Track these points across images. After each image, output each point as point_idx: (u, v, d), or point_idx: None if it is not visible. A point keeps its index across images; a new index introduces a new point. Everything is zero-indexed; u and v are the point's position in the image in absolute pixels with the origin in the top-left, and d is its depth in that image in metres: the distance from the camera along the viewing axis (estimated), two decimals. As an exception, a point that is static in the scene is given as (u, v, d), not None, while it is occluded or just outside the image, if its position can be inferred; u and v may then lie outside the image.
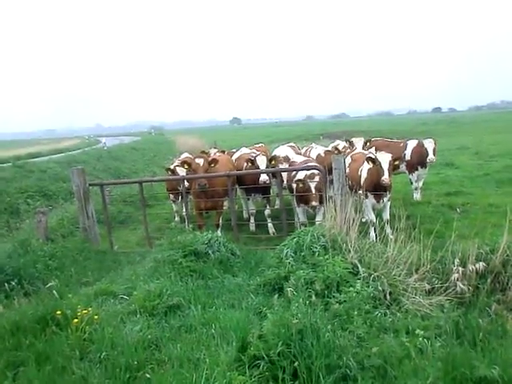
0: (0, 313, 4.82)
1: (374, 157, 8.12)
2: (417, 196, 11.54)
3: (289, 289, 4.91)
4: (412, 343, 3.69)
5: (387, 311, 4.66)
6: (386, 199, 8.41)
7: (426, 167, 11.40)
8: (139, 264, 6.76)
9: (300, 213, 8.76)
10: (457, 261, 5.36)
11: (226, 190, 8.63)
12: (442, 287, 5.07)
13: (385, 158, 7.91)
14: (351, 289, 4.54)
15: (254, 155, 9.26)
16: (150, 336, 4.44)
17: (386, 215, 8.55)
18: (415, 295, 4.98)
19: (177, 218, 11.25)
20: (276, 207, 10.58)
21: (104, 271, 7.22)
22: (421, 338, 3.76)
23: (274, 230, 9.48)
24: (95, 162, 24.59)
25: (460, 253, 5.42)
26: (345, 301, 4.43)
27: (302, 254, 5.74)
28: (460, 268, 5.26)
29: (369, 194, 8.38)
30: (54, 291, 5.01)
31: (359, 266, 5.24)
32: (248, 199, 10.19)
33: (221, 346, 4.12)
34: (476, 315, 4.39)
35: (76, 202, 8.56)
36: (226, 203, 10.08)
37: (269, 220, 9.64)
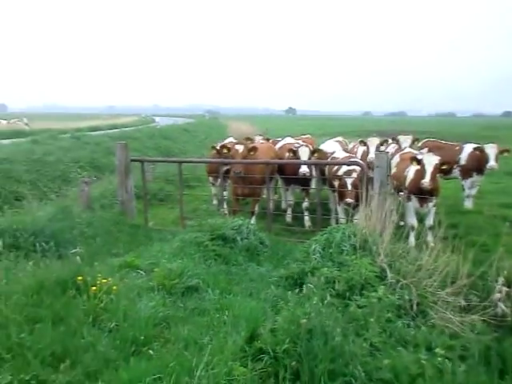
0: (29, 271, 4.92)
1: (419, 158, 7.70)
2: (468, 204, 10.87)
3: (309, 285, 4.73)
4: (430, 362, 3.40)
5: (411, 323, 4.37)
6: (430, 204, 7.97)
7: (482, 174, 10.69)
8: (168, 242, 6.77)
9: (340, 210, 8.50)
10: (501, 279, 4.91)
11: (264, 178, 8.49)
12: (479, 306, 4.65)
13: (430, 160, 7.47)
14: (373, 293, 4.27)
15: (297, 146, 9.05)
16: (162, 314, 4.43)
17: (430, 221, 8.11)
18: (445, 310, 4.65)
19: (214, 201, 11.25)
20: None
21: (134, 245, 7.31)
22: (441, 358, 3.44)
23: (310, 223, 9.25)
24: (147, 139, 25.13)
25: (506, 271, 4.99)
26: (365, 305, 4.19)
27: (330, 251, 5.53)
28: (504, 288, 4.83)
29: (412, 196, 7.98)
30: (78, 257, 5.06)
31: (388, 270, 4.97)
32: (287, 190, 10.02)
33: (230, 334, 4.01)
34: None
35: (117, 175, 8.71)
36: (265, 191, 9.97)
37: (306, 213, 9.42)
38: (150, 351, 3.70)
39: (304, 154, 8.84)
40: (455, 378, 3.33)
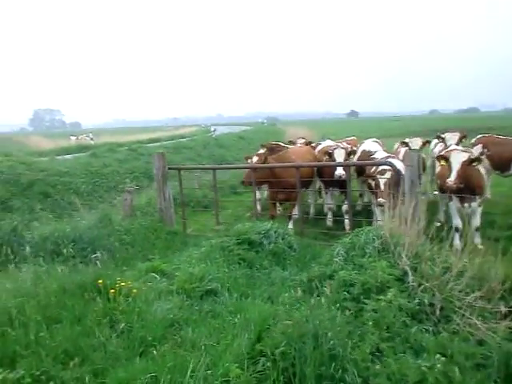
0: (56, 275, 5.19)
1: (447, 155, 7.31)
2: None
3: (324, 288, 4.64)
4: (433, 369, 3.20)
5: (431, 328, 4.13)
6: (474, 204, 7.53)
7: None
8: (198, 248, 6.89)
9: (377, 212, 8.25)
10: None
11: (301, 181, 8.44)
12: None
13: (457, 158, 7.07)
14: (383, 297, 4.10)
15: (333, 148, 8.91)
16: (176, 316, 4.53)
17: (476, 222, 7.66)
18: (472, 315, 4.35)
19: (258, 207, 11.29)
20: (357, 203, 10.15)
21: (170, 251, 7.53)
22: (441, 365, 3.22)
23: (349, 226, 9.04)
24: (201, 148, 25.71)
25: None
26: (374, 309, 4.03)
27: (353, 253, 5.39)
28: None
29: (453, 196, 7.58)
30: (98, 262, 5.28)
31: (409, 273, 4.75)
32: (326, 193, 9.87)
33: (238, 337, 4.02)
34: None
35: (155, 183, 9.00)
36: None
37: (346, 216, 9.22)
38: (154, 351, 3.78)
39: (339, 155, 8.68)
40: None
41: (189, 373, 3.28)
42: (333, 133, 38.31)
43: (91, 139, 34.77)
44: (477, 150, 10.81)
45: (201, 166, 13.55)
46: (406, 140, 10.08)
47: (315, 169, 9.43)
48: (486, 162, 10.60)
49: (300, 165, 7.82)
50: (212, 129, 47.20)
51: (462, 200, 7.49)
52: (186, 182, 12.35)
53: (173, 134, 46.97)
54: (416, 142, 9.43)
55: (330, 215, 9.73)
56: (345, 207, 9.25)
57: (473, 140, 11.16)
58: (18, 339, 3.87)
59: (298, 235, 8.38)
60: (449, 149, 8.86)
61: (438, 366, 3.18)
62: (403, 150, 9.93)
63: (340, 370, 3.14)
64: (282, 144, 11.60)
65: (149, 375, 3.31)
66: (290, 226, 8.89)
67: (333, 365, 3.17)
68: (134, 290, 4.86)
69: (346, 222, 9.19)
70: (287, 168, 8.21)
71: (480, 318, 4.28)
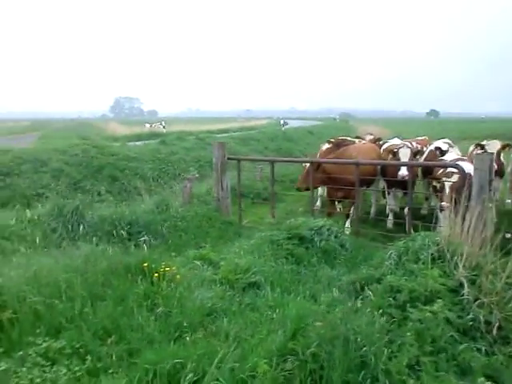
0: (107, 255, 5.35)
1: None
2: None
3: (369, 292, 4.43)
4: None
5: (484, 348, 3.81)
6: None
7: None
8: (249, 239, 6.85)
9: (441, 216, 7.78)
10: None
11: (361, 180, 8.16)
12: None
13: None
14: (429, 307, 3.82)
15: (398, 147, 8.51)
16: (215, 305, 4.51)
17: None
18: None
19: (318, 203, 11.08)
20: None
21: (222, 240, 7.55)
22: None
23: (408, 230, 8.63)
24: (268, 141, 25.73)
25: None
26: (419, 320, 3.76)
27: (405, 258, 5.10)
28: None
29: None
30: (144, 245, 5.39)
31: (465, 285, 4.40)
32: (388, 193, 9.46)
33: (274, 333, 3.93)
34: None
35: (214, 173, 9.07)
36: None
37: (408, 219, 8.79)
38: (187, 338, 3.79)
39: (404, 155, 8.28)
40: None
41: (215, 362, 3.23)
42: (408, 132, 36.88)
43: (163, 127, 36.01)
44: None
45: (260, 157, 13.47)
46: (483, 142, 9.41)
47: (378, 167, 9.07)
48: None
49: (359, 162, 7.52)
50: (281, 122, 47.06)
51: None
52: (248, 173, 12.44)
53: (243, 125, 47.50)
54: (493, 145, 8.75)
55: (390, 216, 9.35)
56: (406, 209, 8.83)
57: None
58: (64, 312, 4.04)
59: (355, 235, 8.15)
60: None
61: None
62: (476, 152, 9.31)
63: (369, 380, 2.95)
64: (349, 139, 11.25)
65: (176, 360, 3.29)
66: (347, 224, 8.65)
67: (362, 373, 2.98)
68: (178, 276, 4.90)
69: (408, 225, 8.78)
70: (346, 165, 7.95)
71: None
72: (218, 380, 3.14)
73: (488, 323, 4.05)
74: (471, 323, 4.01)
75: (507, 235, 6.39)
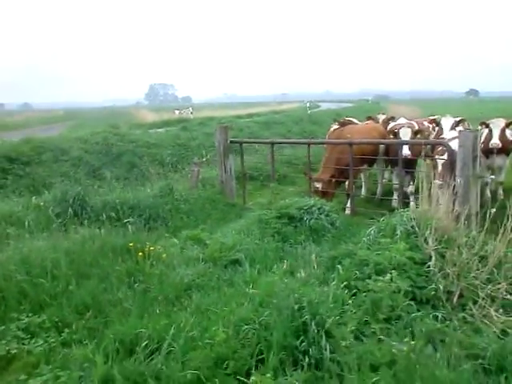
0: (102, 236, 5.72)
1: None
2: None
3: (338, 266, 4.61)
4: (404, 352, 3.10)
5: (441, 315, 3.92)
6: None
7: None
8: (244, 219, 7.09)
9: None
10: None
11: (359, 159, 8.24)
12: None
13: None
14: (382, 277, 3.97)
15: (399, 127, 8.50)
16: (195, 281, 4.80)
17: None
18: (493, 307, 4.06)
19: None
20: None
21: (223, 222, 7.82)
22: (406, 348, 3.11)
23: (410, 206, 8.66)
24: (293, 124, 25.70)
25: None
26: (373, 290, 3.92)
27: (382, 234, 5.23)
28: None
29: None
30: (129, 226, 5.71)
31: (433, 257, 4.51)
32: (392, 172, 9.49)
33: (242, 305, 4.17)
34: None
35: (217, 156, 9.32)
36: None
37: (411, 198, 8.81)
38: (157, 310, 4.09)
39: (405, 135, 8.29)
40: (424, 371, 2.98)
41: (171, 331, 3.50)
42: (441, 112, 35.82)
43: (191, 113, 36.46)
44: None
45: (260, 140, 13.63)
46: (489, 121, 9.28)
47: (382, 146, 9.08)
48: None
49: (352, 142, 7.60)
50: (308, 104, 46.59)
51: None
52: (260, 156, 12.61)
53: (273, 109, 47.24)
54: (498, 123, 8.60)
55: (395, 195, 9.37)
56: (409, 189, 8.85)
57: None
58: (48, 290, 4.42)
59: (356, 214, 8.27)
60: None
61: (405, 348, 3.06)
62: (485, 131, 9.16)
63: (305, 343, 3.16)
64: (355, 120, 11.30)
65: (139, 330, 3.59)
66: (348, 204, 8.74)
67: (301, 338, 3.20)
68: (164, 255, 5.23)
69: (412, 204, 8.79)
70: (340, 145, 8.04)
71: (501, 311, 4.01)
72: (173, 347, 3.42)
73: (450, 293, 4.18)
74: (433, 293, 4.14)
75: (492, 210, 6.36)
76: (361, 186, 10.46)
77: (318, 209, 6.65)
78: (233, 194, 9.21)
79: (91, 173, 12.83)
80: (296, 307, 3.40)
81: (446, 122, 8.60)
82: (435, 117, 12.02)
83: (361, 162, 8.66)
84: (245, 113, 38.62)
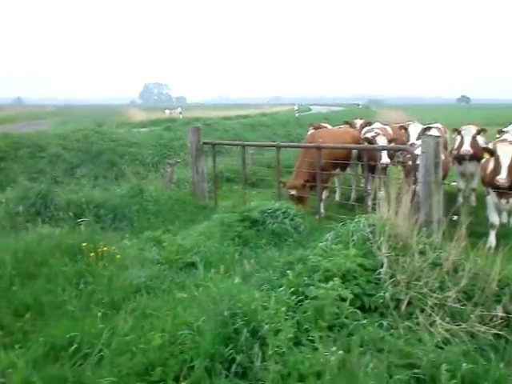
0: (57, 235, 5.60)
1: (493, 148, 6.68)
2: None
3: (289, 272, 4.56)
4: (333, 361, 3.04)
5: (385, 323, 3.87)
6: (512, 200, 6.83)
7: None
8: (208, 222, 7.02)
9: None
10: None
11: (330, 163, 8.21)
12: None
13: (507, 152, 6.39)
14: (324, 285, 3.90)
15: (373, 135, 8.51)
16: (145, 283, 4.72)
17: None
18: (439, 315, 4.02)
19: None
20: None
21: (191, 223, 7.74)
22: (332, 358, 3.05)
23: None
24: (279, 127, 25.69)
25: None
26: (316, 297, 3.85)
27: (338, 240, 5.18)
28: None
29: (490, 190, 6.94)
30: (82, 226, 5.62)
31: (384, 264, 4.47)
32: (363, 177, 9.46)
33: (187, 310, 4.10)
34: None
35: (189, 157, 9.24)
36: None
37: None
38: (99, 313, 4.00)
39: (382, 143, 8.34)
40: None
41: (104, 336, 3.43)
42: (428, 118, 36.08)
43: (180, 113, 36.43)
44: None
45: (234, 142, 13.58)
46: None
47: (354, 151, 9.06)
48: None
49: (320, 146, 7.56)
50: (295, 107, 46.70)
51: (500, 195, 6.83)
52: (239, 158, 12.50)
53: (263, 111, 47.30)
54: (469, 130, 8.62)
55: (368, 201, 9.34)
56: (382, 193, 8.83)
57: None
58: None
59: (327, 218, 8.22)
60: (498, 141, 8.03)
61: (333, 358, 2.99)
62: (457, 138, 9.18)
63: (233, 350, 3.10)
64: (328, 126, 11.39)
65: (72, 334, 3.51)
66: (322, 209, 8.69)
67: (230, 345, 3.13)
68: (118, 256, 5.14)
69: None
70: (309, 149, 8.00)
71: (448, 319, 3.98)
72: (103, 351, 3.34)
73: (399, 300, 4.14)
74: (382, 301, 4.09)
75: (454, 217, 6.37)
76: (335, 191, 10.43)
77: (283, 213, 6.59)
78: (204, 195, 9.13)
79: (69, 170, 12.70)
80: (228, 313, 3.32)
81: (414, 128, 8.60)
82: (410, 123, 12.05)
83: (333, 167, 8.62)
84: (234, 114, 38.67)
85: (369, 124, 11.36)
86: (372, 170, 9.00)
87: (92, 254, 4.93)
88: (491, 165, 6.93)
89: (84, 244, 5.09)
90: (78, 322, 3.82)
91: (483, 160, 7.54)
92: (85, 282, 4.64)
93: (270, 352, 3.16)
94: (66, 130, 15.64)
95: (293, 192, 8.34)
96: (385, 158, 8.09)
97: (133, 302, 4.39)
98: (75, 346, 3.35)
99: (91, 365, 3.23)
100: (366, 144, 8.65)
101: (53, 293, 4.42)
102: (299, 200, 8.27)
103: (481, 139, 8.81)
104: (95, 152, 14.08)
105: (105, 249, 5.05)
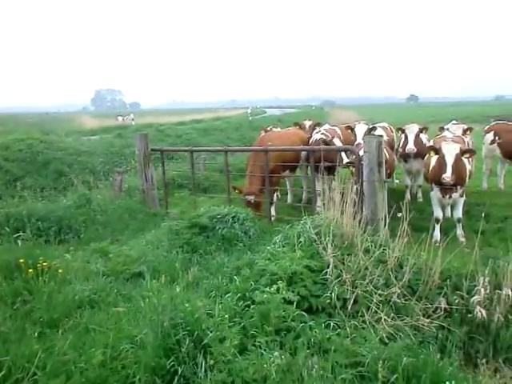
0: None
1: (438, 147, 6.90)
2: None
3: (235, 277, 4.51)
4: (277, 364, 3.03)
5: (332, 323, 3.88)
6: (456, 194, 7.08)
7: None
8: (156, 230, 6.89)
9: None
10: (484, 279, 4.18)
11: (279, 165, 8.25)
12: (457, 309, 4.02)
13: (450, 150, 6.62)
14: (268, 289, 3.88)
15: (330, 138, 8.63)
16: (89, 297, 4.56)
17: (457, 213, 7.29)
18: (384, 311, 4.08)
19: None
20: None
21: (141, 232, 7.54)
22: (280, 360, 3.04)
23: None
24: (233, 131, 25.66)
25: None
26: (262, 302, 3.82)
27: (286, 242, 5.19)
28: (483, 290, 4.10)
29: (434, 186, 7.17)
30: (19, 241, 5.38)
31: (331, 265, 4.49)
32: (313, 178, 9.56)
33: (132, 321, 3.98)
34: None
35: (137, 165, 9.07)
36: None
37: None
38: (35, 333, 3.81)
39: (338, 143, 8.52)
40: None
41: (38, 356, 3.26)
42: (379, 117, 37.12)
43: (132, 120, 35.80)
44: (488, 138, 10.18)
45: (181, 147, 13.51)
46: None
47: (302, 153, 9.14)
48: (497, 150, 9.96)
49: (267, 149, 7.57)
50: (249, 111, 46.89)
51: (443, 191, 7.06)
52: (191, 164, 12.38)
53: (218, 115, 47.16)
54: (412, 129, 8.90)
55: (319, 202, 9.42)
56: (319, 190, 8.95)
57: (486, 128, 10.51)
58: None
59: (278, 221, 8.22)
60: (439, 138, 8.28)
61: (278, 361, 2.97)
62: (402, 137, 9.43)
63: (174, 362, 3.02)
64: (276, 128, 11.53)
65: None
66: (273, 212, 8.70)
67: (172, 357, 3.05)
68: (60, 271, 4.93)
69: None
70: (259, 153, 8.00)
71: (393, 315, 4.04)
72: (37, 375, 3.17)
73: (346, 300, 4.17)
74: (328, 301, 4.11)
75: (398, 214, 6.52)
76: (287, 193, 10.49)
77: (233, 217, 6.54)
78: (155, 203, 8.96)
79: (11, 182, 12.15)
80: (169, 324, 3.24)
81: (360, 128, 8.77)
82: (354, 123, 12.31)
83: (282, 169, 8.65)
84: (189, 119, 38.36)
85: (318, 125, 11.52)
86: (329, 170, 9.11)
87: (30, 271, 4.70)
88: (433, 162, 7.17)
89: (21, 260, 4.85)
90: (10, 345, 3.60)
91: (426, 157, 7.80)
92: (22, 300, 4.41)
93: (213, 361, 3.10)
94: (9, 140, 14.90)
95: (250, 198, 8.22)
96: (345, 158, 8.18)
97: (75, 318, 4.23)
98: (3, 372, 3.14)
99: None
100: (322, 146, 8.73)
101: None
102: (256, 206, 8.20)
103: (424, 137, 9.10)
104: (41, 162, 13.56)
105: (45, 264, 4.82)
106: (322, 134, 8.82)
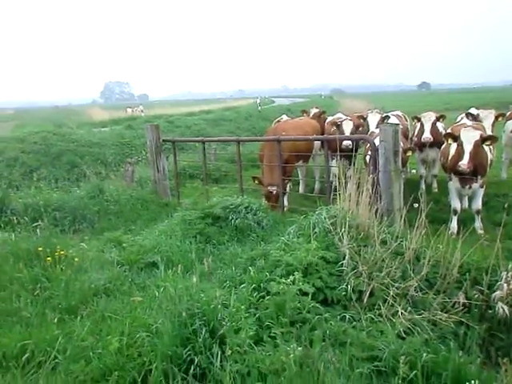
0: (13, 241, 5.37)
1: (457, 134, 6.73)
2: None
3: (250, 268, 4.49)
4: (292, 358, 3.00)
5: (350, 316, 3.85)
6: (476, 185, 6.92)
7: None
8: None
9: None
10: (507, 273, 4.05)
11: (291, 156, 8.21)
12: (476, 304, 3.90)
13: (468, 137, 6.47)
14: (284, 280, 3.85)
15: (340, 121, 8.57)
16: (104, 286, 4.58)
17: (477, 205, 7.09)
18: (401, 305, 4.02)
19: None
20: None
21: (153, 222, 7.57)
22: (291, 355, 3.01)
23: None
24: (243, 121, 25.58)
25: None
26: (278, 293, 3.79)
27: (300, 233, 5.15)
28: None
29: (452, 176, 7.02)
30: (38, 230, 5.42)
31: (346, 256, 4.44)
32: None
33: (147, 310, 3.98)
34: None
35: (148, 155, 9.08)
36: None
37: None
38: (55, 319, 3.85)
39: (347, 127, 8.48)
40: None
41: (59, 341, 3.30)
42: (390, 105, 36.72)
43: (141, 111, 35.82)
44: (509, 125, 9.94)
45: (193, 138, 13.47)
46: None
47: (315, 143, 9.10)
48: None
49: (279, 138, 7.50)
50: (258, 101, 46.62)
51: (462, 181, 6.92)
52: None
53: (227, 106, 47.03)
54: (428, 117, 8.73)
55: (331, 191, 9.37)
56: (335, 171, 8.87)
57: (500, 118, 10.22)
58: None
59: (291, 211, 8.18)
60: (457, 126, 8.12)
61: (293, 355, 2.95)
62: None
63: (191, 352, 3.02)
64: (285, 118, 11.49)
65: (25, 342, 3.36)
66: (285, 202, 8.66)
67: (188, 346, 3.06)
68: (76, 259, 4.97)
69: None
70: (273, 142, 7.92)
71: (410, 309, 3.98)
72: (58, 359, 3.21)
73: (362, 292, 4.12)
74: (344, 293, 4.07)
75: (415, 205, 6.44)
76: (298, 183, 10.45)
77: (246, 208, 6.50)
78: (167, 193, 8.97)
79: (28, 173, 12.28)
80: (186, 314, 3.23)
81: (373, 117, 8.68)
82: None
83: (296, 158, 8.60)
84: (197, 110, 38.32)
85: (323, 113, 11.44)
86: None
87: (49, 259, 4.75)
88: (452, 151, 7.01)
89: (40, 248, 4.90)
90: (32, 329, 3.66)
91: (443, 146, 7.67)
92: (41, 287, 4.47)
93: (230, 352, 3.09)
94: (24, 133, 15.07)
95: (273, 189, 8.02)
96: (345, 141, 8.13)
97: (91, 305, 4.26)
98: (27, 354, 3.19)
99: (45, 373, 3.09)
100: (333, 128, 8.67)
101: (7, 300, 4.23)
102: (277, 197, 8.04)
103: (440, 125, 8.94)
104: (55, 154, 13.68)
105: (62, 252, 4.87)
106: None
